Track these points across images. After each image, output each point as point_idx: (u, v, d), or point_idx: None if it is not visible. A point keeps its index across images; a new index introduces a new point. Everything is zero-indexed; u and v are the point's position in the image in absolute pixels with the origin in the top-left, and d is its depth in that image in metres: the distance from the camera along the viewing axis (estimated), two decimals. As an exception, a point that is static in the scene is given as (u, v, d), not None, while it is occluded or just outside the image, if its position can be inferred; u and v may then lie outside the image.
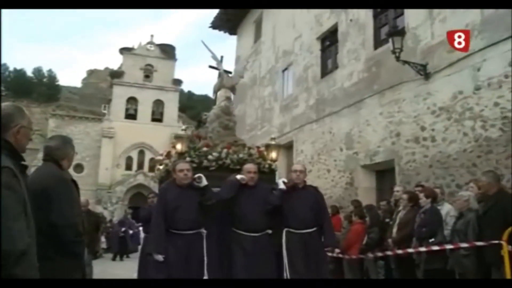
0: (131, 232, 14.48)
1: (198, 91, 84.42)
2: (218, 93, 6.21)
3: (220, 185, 4.40)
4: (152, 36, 33.93)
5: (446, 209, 5.16)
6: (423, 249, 4.90)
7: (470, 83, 6.55)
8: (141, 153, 31.48)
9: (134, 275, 6.73)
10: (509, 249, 3.86)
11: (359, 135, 8.94)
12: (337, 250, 6.15)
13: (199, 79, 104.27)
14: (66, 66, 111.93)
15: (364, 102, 8.87)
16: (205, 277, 3.90)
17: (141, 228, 12.11)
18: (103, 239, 13.53)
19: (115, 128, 30.60)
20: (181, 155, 5.06)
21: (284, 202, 4.31)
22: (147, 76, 32.78)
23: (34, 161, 21.72)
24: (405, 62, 7.28)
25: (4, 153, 1.72)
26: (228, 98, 6.01)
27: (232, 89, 6.19)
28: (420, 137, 7.39)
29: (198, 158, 5.01)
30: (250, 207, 4.24)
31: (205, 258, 3.97)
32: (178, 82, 34.08)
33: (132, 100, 32.06)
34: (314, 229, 4.30)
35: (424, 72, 7.32)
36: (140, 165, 31.05)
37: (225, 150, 5.13)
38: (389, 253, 5.53)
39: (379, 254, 5.83)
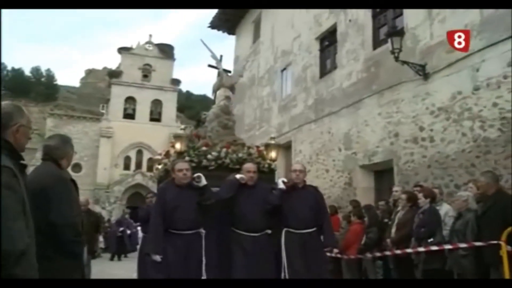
0: (129, 232, 14.44)
1: (196, 91, 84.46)
2: (218, 92, 6.19)
3: (219, 184, 4.39)
4: (150, 35, 33.81)
5: (445, 209, 5.16)
6: (421, 249, 4.90)
7: (469, 83, 6.55)
8: (139, 153, 31.40)
9: (133, 275, 6.71)
10: (508, 250, 3.86)
11: (358, 135, 8.94)
12: (335, 250, 6.14)
13: (197, 79, 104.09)
14: (65, 66, 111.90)
15: (363, 102, 8.87)
16: (203, 277, 3.89)
17: (139, 228, 12.11)
18: (101, 239, 13.49)
19: (113, 128, 30.51)
20: (180, 154, 5.05)
21: (283, 202, 4.29)
22: (146, 76, 32.67)
23: (32, 160, 21.67)
24: (404, 62, 7.28)
25: (4, 153, 1.70)
26: (227, 97, 6.00)
27: (232, 88, 6.18)
28: (418, 137, 7.39)
29: (197, 158, 4.99)
30: (249, 206, 4.23)
31: (204, 258, 3.95)
32: (176, 82, 33.99)
33: (130, 100, 31.95)
34: (314, 229, 4.29)
35: (423, 73, 7.32)
36: (138, 165, 30.98)
37: (224, 150, 5.12)
38: (387, 253, 5.53)
39: (378, 254, 5.83)
